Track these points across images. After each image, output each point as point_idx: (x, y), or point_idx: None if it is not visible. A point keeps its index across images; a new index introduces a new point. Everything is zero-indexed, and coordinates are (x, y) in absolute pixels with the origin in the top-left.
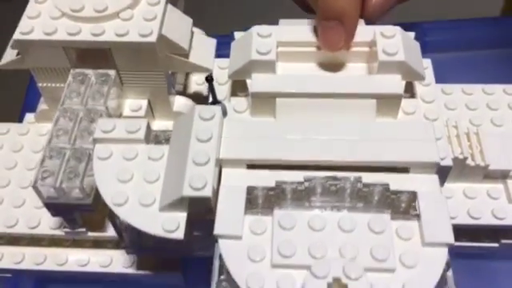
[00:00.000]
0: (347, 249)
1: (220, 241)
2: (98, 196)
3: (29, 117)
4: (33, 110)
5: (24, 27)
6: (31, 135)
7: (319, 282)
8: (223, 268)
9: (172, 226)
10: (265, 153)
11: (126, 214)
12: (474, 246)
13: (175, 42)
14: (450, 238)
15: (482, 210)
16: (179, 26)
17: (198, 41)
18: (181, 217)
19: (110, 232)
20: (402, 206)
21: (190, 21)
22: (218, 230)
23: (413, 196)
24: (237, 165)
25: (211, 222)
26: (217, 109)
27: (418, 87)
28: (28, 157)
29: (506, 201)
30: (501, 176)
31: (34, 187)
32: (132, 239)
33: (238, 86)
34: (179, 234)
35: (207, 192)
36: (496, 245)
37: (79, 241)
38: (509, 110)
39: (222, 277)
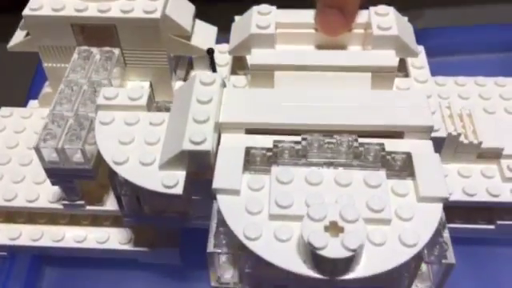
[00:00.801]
0: (344, 199)
1: (218, 196)
2: (98, 163)
3: (32, 103)
4: (37, 98)
5: (33, 4)
6: (34, 118)
7: (316, 224)
8: (220, 222)
9: (171, 181)
10: (263, 117)
11: (125, 172)
12: (470, 228)
13: (178, 22)
14: (444, 192)
15: (477, 187)
16: (182, 10)
17: (199, 26)
18: (180, 174)
19: (109, 206)
20: (397, 165)
21: (192, 7)
22: (216, 184)
23: (407, 157)
24: (235, 129)
25: (210, 183)
26: (217, 75)
27: (412, 71)
28: (30, 137)
29: (499, 180)
30: (494, 155)
31: (36, 149)
32: (131, 205)
33: (237, 65)
34: (178, 190)
35: (207, 146)
36: (492, 227)
37: (76, 218)
38: (500, 99)
39: (221, 228)
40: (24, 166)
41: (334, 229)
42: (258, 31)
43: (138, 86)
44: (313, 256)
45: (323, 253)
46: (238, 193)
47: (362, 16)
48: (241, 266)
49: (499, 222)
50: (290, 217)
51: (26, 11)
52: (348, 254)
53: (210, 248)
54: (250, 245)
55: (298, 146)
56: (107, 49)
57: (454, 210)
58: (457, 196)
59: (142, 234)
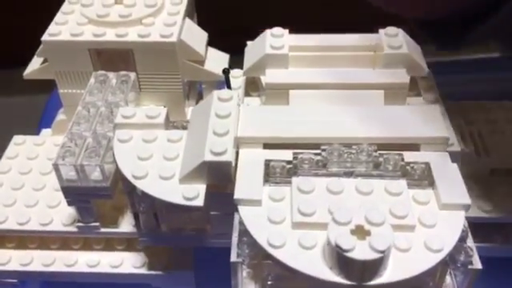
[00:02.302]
0: (367, 205)
1: (240, 207)
2: (115, 181)
3: (45, 131)
4: (50, 126)
5: (52, 30)
6: (47, 145)
7: (342, 228)
8: (242, 233)
9: (192, 193)
10: (281, 131)
11: (145, 186)
12: (486, 247)
13: (193, 47)
14: (466, 199)
15: (492, 206)
16: (196, 36)
17: (212, 53)
18: (200, 187)
19: (123, 228)
20: (417, 174)
21: (205, 34)
22: (237, 194)
23: (426, 166)
24: (253, 144)
25: (230, 197)
26: (234, 92)
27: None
28: (43, 163)
29: None
30: (506, 172)
31: (55, 165)
32: (148, 223)
33: (251, 88)
34: (199, 202)
35: (228, 157)
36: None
37: (89, 243)
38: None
39: (244, 238)
40: (37, 191)
41: (360, 232)
42: (272, 51)
43: (155, 108)
44: (340, 260)
45: (352, 255)
46: (259, 203)
47: (371, 39)
48: (263, 278)
49: None
50: (313, 224)
51: (45, 37)
52: (377, 255)
53: (234, 258)
54: (275, 253)
55: (318, 157)
56: (123, 73)
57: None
58: (472, 213)
59: (155, 258)
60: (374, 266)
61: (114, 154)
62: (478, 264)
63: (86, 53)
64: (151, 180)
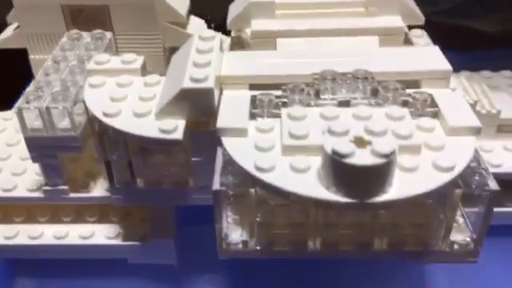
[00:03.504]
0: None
1: (223, 139)
2: (86, 134)
3: None
4: None
5: None
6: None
7: (339, 139)
8: (227, 163)
9: (169, 126)
10: (269, 69)
11: (117, 123)
12: (500, 212)
13: (174, 7)
14: (475, 121)
15: (501, 160)
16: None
17: (193, 19)
18: (179, 121)
19: (95, 193)
20: (419, 103)
21: (187, 2)
22: (220, 123)
23: (429, 96)
24: (239, 84)
25: (212, 136)
26: (217, 34)
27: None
28: (10, 136)
29: None
30: None
31: (18, 110)
32: (122, 175)
33: (237, 48)
34: (178, 135)
35: (209, 83)
36: None
37: (58, 215)
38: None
39: (229, 167)
40: (1, 161)
41: (360, 142)
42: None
43: (131, 55)
44: (338, 173)
45: (351, 161)
46: (245, 133)
47: None
48: (251, 215)
49: None
50: (306, 148)
51: None
52: (380, 160)
53: (216, 186)
54: (264, 177)
55: (310, 88)
56: (98, 31)
57: None
58: None
59: (132, 228)
60: (377, 177)
61: (84, 99)
62: (495, 185)
63: (59, 10)
64: (124, 117)
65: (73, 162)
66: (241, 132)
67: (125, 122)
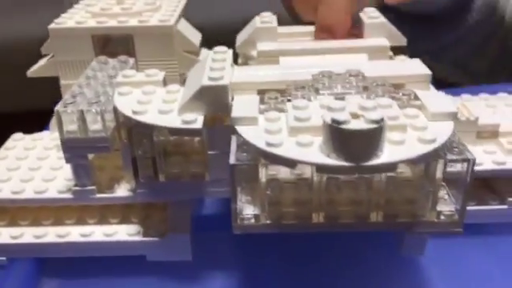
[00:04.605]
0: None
1: (237, 127)
2: (114, 137)
3: (47, 132)
4: None
5: (58, 21)
6: (45, 140)
7: (337, 112)
8: (241, 144)
9: (190, 118)
10: (275, 76)
11: (146, 118)
12: (483, 210)
13: (188, 38)
14: (452, 107)
15: (482, 159)
16: (191, 31)
17: (204, 51)
18: (199, 115)
19: (119, 193)
20: (404, 99)
21: (199, 33)
22: (234, 113)
23: (413, 93)
24: (248, 90)
25: (228, 132)
26: (229, 49)
27: None
28: (40, 151)
29: (502, 155)
30: (492, 134)
31: (57, 113)
32: (146, 169)
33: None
34: (198, 124)
35: (225, 81)
36: (505, 207)
37: (83, 217)
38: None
39: (244, 147)
40: (33, 171)
41: (354, 116)
42: (262, 25)
43: (154, 70)
44: (336, 140)
45: (348, 126)
46: (256, 121)
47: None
48: (262, 190)
49: (510, 199)
50: (309, 128)
51: (52, 25)
52: (372, 125)
53: (232, 160)
54: (274, 150)
55: (310, 86)
56: (123, 57)
57: None
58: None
59: (151, 227)
60: (370, 142)
61: (114, 104)
62: (472, 155)
63: (89, 40)
64: (151, 114)
65: (99, 171)
66: (252, 120)
67: (152, 118)
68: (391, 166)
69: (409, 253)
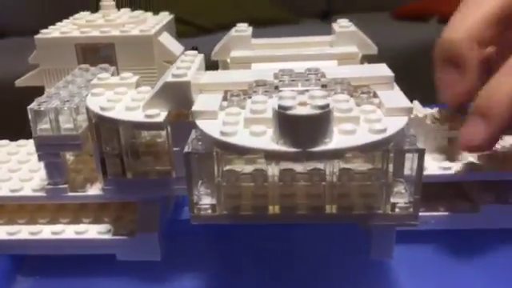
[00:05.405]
0: None
1: (197, 121)
2: (86, 137)
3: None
4: None
5: (44, 32)
6: (30, 146)
7: (285, 100)
8: (197, 137)
9: (153, 113)
10: (240, 78)
11: (112, 114)
12: (455, 216)
13: (169, 48)
14: (407, 103)
15: (452, 165)
16: (173, 43)
17: None
18: (162, 111)
19: (91, 192)
20: (364, 97)
21: (181, 46)
22: (195, 107)
23: (372, 91)
24: (215, 91)
25: (191, 127)
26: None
27: None
28: (22, 156)
29: (474, 160)
30: None
31: (31, 110)
32: (114, 167)
33: None
34: (160, 118)
35: (187, 78)
36: (477, 213)
37: (56, 217)
38: None
39: (199, 136)
40: (12, 172)
41: (303, 104)
42: (237, 34)
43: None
44: (284, 127)
45: (293, 112)
46: (215, 115)
47: (328, 38)
48: (217, 181)
49: (482, 206)
50: (264, 120)
51: (38, 36)
52: (316, 111)
53: (187, 149)
54: (227, 139)
55: (271, 84)
56: (103, 65)
57: (434, 193)
58: (433, 171)
59: (121, 226)
60: (316, 127)
61: (86, 104)
62: (421, 145)
63: (73, 49)
64: (118, 111)
65: (76, 173)
66: (211, 114)
67: (118, 113)
68: (338, 153)
69: (377, 256)
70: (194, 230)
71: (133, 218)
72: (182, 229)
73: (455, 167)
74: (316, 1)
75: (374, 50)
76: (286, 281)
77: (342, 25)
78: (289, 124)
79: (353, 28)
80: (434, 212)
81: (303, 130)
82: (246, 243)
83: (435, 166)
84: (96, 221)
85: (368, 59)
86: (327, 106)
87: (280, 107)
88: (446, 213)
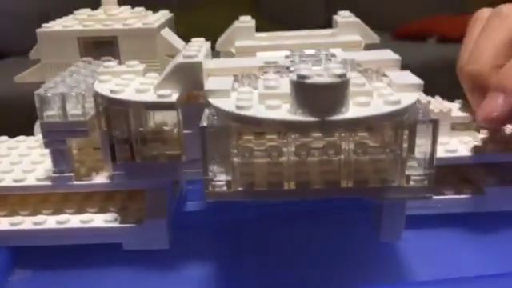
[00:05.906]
0: None
1: (210, 100)
2: (93, 124)
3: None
4: None
5: (46, 26)
6: (29, 141)
7: (303, 70)
8: (212, 113)
9: (166, 93)
10: (248, 62)
11: (123, 96)
12: (461, 199)
13: (172, 42)
14: (416, 79)
15: (457, 147)
16: (174, 38)
17: None
18: (174, 92)
19: (97, 180)
20: (373, 76)
21: (183, 42)
22: (208, 86)
23: (381, 71)
24: (224, 75)
25: (202, 109)
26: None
27: None
28: (22, 150)
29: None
30: (465, 126)
31: (37, 96)
32: (123, 152)
33: None
34: (173, 98)
35: (199, 59)
36: (482, 195)
37: (61, 208)
38: None
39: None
40: (14, 165)
41: (320, 76)
42: (241, 25)
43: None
44: (302, 96)
45: (312, 80)
46: (228, 94)
47: (330, 31)
48: (232, 156)
49: (487, 189)
50: (278, 95)
51: (40, 30)
52: (335, 79)
53: (203, 124)
54: (243, 112)
55: (282, 63)
56: (107, 58)
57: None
58: (438, 153)
59: (128, 215)
60: (334, 96)
61: (93, 90)
62: (435, 116)
63: (75, 42)
64: (128, 93)
65: (80, 163)
66: (225, 93)
67: (128, 95)
68: (356, 121)
69: (386, 238)
70: (198, 222)
71: (139, 207)
72: (186, 221)
73: (460, 150)
74: (316, 21)
75: (376, 39)
76: (293, 268)
77: (344, 15)
78: (308, 93)
79: (354, 18)
80: (440, 196)
81: (322, 99)
82: (251, 235)
83: (441, 149)
84: (102, 211)
85: (370, 49)
86: (344, 74)
87: (298, 76)
88: (452, 196)
